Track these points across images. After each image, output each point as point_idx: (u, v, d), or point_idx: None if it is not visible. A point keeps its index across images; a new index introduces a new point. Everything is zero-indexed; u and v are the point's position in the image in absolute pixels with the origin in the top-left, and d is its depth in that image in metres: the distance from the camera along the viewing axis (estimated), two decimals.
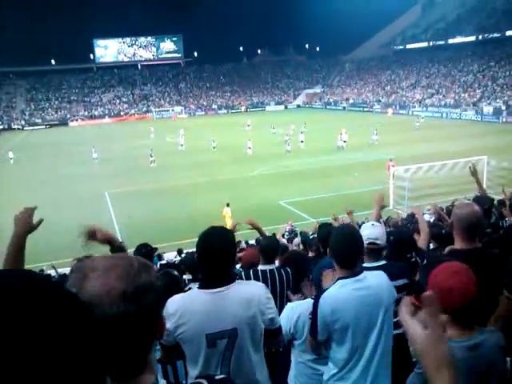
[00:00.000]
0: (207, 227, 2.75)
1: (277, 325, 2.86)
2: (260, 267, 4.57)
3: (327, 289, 3.08)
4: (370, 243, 3.64)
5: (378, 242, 3.67)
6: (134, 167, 35.27)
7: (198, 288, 2.73)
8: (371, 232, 3.68)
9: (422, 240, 5.10)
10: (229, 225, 18.49)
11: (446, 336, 1.06)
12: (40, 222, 2.80)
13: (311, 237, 10.80)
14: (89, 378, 0.62)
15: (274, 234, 15.54)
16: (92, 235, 2.71)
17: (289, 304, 3.73)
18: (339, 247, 3.06)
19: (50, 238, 18.78)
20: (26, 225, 2.71)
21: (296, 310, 3.46)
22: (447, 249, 3.59)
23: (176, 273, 4.93)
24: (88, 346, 0.63)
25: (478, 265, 2.70)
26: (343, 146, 38.51)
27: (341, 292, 2.96)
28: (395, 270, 3.75)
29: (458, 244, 3.36)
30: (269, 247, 4.61)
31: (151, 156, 35.82)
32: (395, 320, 3.65)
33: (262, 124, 58.58)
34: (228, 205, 20.11)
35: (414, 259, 4.94)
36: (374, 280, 3.05)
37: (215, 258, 2.61)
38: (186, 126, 56.80)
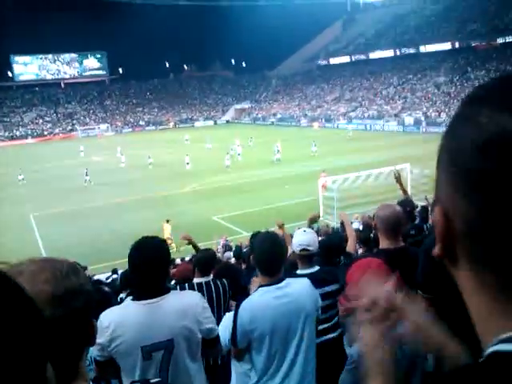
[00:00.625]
0: (140, 238, 2.68)
1: (214, 334, 2.83)
2: (195, 280, 4.50)
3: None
4: (302, 249, 3.66)
5: (309, 248, 3.67)
6: (62, 188, 33.95)
7: (132, 300, 2.65)
8: (303, 238, 3.69)
9: (349, 245, 5.21)
10: (168, 241, 18.26)
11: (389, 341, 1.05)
12: None
13: (245, 250, 10.80)
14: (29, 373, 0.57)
15: (213, 250, 15.45)
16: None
17: (227, 314, 3.67)
18: (260, 254, 3.05)
19: None
20: None
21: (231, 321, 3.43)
22: (375, 250, 3.68)
23: (107, 289, 4.77)
24: (32, 342, 0.59)
25: (402, 263, 2.77)
26: (279, 158, 39.05)
27: (260, 300, 2.95)
28: (327, 276, 3.80)
29: (383, 244, 3.45)
30: (204, 259, 4.56)
31: (86, 175, 34.61)
32: (329, 325, 3.71)
33: (194, 139, 58.40)
34: (168, 221, 19.81)
35: (342, 263, 5.04)
36: (296, 287, 3.04)
37: (148, 266, 2.56)
38: (117, 143, 55.53)
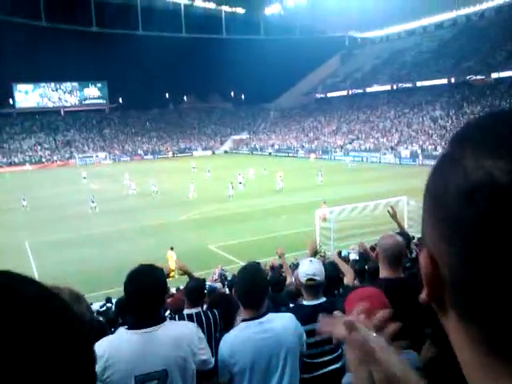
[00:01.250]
0: (136, 267, 2.67)
1: (210, 366, 2.80)
2: (185, 311, 4.47)
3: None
4: (308, 279, 3.61)
5: (316, 277, 3.62)
6: (60, 214, 33.86)
7: (127, 329, 2.62)
8: (309, 268, 3.64)
9: (348, 280, 5.20)
10: (172, 267, 18.25)
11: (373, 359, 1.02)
12: None
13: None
14: None
15: (204, 280, 15.37)
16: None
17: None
18: (242, 287, 3.05)
19: None
20: None
21: None
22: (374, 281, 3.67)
23: (101, 319, 4.72)
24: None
25: (402, 294, 2.77)
26: (282, 188, 39.26)
27: (240, 334, 2.94)
28: (335, 306, 3.73)
29: (383, 273, 3.45)
30: (194, 289, 4.52)
31: (92, 202, 34.71)
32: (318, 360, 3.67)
33: (194, 168, 58.58)
34: (172, 248, 19.73)
35: (340, 293, 5.03)
36: (279, 323, 3.01)
37: (144, 295, 2.54)
38: (117, 172, 55.67)
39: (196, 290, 4.51)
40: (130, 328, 2.61)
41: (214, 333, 4.31)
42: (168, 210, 33.17)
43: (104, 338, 2.60)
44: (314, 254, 5.46)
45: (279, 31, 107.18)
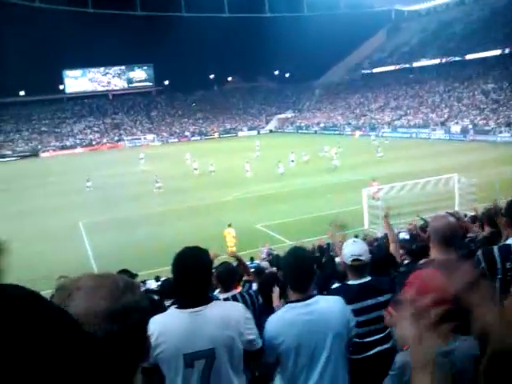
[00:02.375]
0: (183, 248, 2.74)
1: (257, 346, 2.83)
2: (220, 296, 4.49)
3: (276, 311, 3.13)
4: (354, 260, 3.62)
5: (361, 257, 3.63)
6: (112, 196, 34.93)
7: (175, 308, 2.71)
8: (353, 249, 3.66)
9: (391, 250, 5.14)
10: (230, 244, 18.56)
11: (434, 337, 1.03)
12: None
13: None
14: None
15: (252, 258, 15.55)
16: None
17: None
18: (288, 270, 3.07)
19: (25, 270, 18.44)
20: None
21: None
22: (423, 260, 3.62)
23: (156, 297, 4.89)
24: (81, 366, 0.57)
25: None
26: (336, 165, 39.37)
27: (286, 316, 2.97)
28: (381, 285, 3.76)
29: (434, 255, 3.40)
30: (225, 274, 4.53)
31: (157, 182, 35.74)
32: (373, 338, 3.67)
33: (242, 148, 58.85)
34: (230, 225, 20.08)
35: (392, 276, 4.98)
36: (325, 305, 3.02)
37: (190, 276, 2.61)
38: (168, 153, 56.66)
39: (227, 275, 4.52)
40: (178, 307, 2.69)
41: (252, 313, 4.37)
42: (217, 190, 33.57)
43: (154, 317, 2.66)
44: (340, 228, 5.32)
45: (323, 7, 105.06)
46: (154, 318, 2.62)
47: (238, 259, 5.94)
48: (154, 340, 2.51)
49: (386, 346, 3.65)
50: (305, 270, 3.02)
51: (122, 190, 36.67)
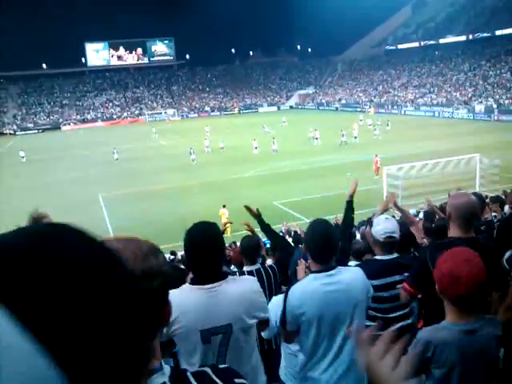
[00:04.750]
0: (194, 224, 2.72)
1: (266, 316, 2.89)
2: (245, 268, 4.58)
3: (298, 281, 3.13)
4: (387, 237, 3.65)
5: (394, 235, 3.67)
6: (131, 170, 35.26)
7: (190, 284, 2.70)
8: (387, 226, 3.68)
9: (413, 230, 5.08)
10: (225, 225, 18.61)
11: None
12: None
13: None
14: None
15: (257, 236, 15.55)
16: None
17: (274, 298, 3.81)
18: (312, 241, 3.07)
19: None
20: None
21: (280, 304, 3.48)
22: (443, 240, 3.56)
23: (182, 266, 4.97)
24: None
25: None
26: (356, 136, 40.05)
27: (309, 285, 3.00)
28: (408, 262, 3.76)
29: (453, 233, 3.34)
30: (249, 247, 4.60)
31: (191, 154, 36.36)
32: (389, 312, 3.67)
33: (259, 123, 58.56)
34: (224, 206, 20.10)
35: (412, 254, 4.94)
36: (347, 276, 3.06)
37: (202, 252, 2.60)
38: (190, 128, 56.73)
39: (252, 248, 4.57)
40: (192, 283, 2.69)
41: (274, 288, 4.42)
42: (235, 166, 33.66)
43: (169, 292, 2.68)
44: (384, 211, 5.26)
45: None
46: (169, 294, 2.64)
47: (252, 231, 5.90)
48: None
49: (407, 322, 3.70)
50: (328, 241, 3.04)
51: (141, 164, 36.93)
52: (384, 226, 3.67)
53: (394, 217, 4.37)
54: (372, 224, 3.85)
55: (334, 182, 26.11)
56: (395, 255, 3.75)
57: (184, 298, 2.61)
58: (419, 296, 3.51)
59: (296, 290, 3.03)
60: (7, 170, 39.79)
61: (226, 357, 2.63)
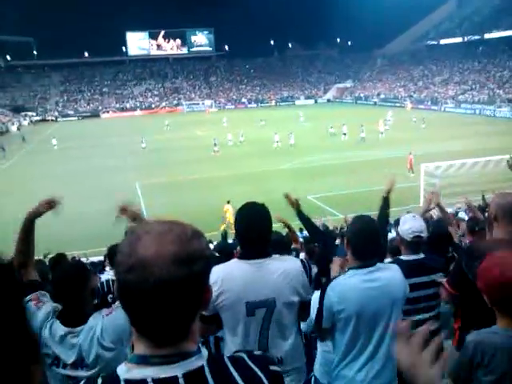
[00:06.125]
0: (245, 203, 2.84)
1: (309, 297, 2.93)
2: None
3: (336, 277, 3.11)
4: (415, 236, 3.58)
5: (422, 234, 3.60)
6: (166, 159, 35.75)
7: (238, 258, 2.82)
8: (414, 225, 3.61)
9: (450, 229, 5.01)
10: (230, 221, 18.71)
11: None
12: (50, 208, 3.06)
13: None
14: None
15: (302, 229, 15.53)
16: (123, 210, 3.01)
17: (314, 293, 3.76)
18: (355, 237, 3.04)
19: (83, 227, 19.22)
20: (36, 209, 3.03)
21: (316, 300, 3.48)
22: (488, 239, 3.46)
23: (217, 254, 5.06)
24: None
25: None
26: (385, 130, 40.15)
27: (349, 282, 2.97)
28: (435, 264, 3.72)
29: (501, 234, 3.20)
30: (277, 243, 4.54)
31: (215, 145, 36.73)
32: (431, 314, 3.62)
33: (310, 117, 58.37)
34: (229, 202, 19.98)
35: (450, 254, 4.86)
36: (386, 273, 3.02)
37: (253, 227, 2.71)
38: (227, 119, 57.06)
39: (276, 243, 4.48)
40: (240, 258, 2.79)
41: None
42: (271, 159, 33.72)
43: (217, 266, 2.74)
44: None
45: None
46: (217, 267, 2.72)
47: (287, 225, 5.86)
48: (218, 287, 2.63)
49: (434, 326, 3.53)
50: (372, 238, 3.01)
51: (176, 154, 37.40)
52: (411, 224, 3.61)
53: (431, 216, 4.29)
54: (399, 223, 3.81)
55: (366, 177, 25.89)
56: (422, 255, 3.68)
57: (231, 270, 2.71)
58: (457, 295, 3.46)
59: (335, 286, 3.00)
60: (39, 157, 40.94)
61: (269, 331, 2.71)
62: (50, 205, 3.09)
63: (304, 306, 2.90)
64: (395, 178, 4.46)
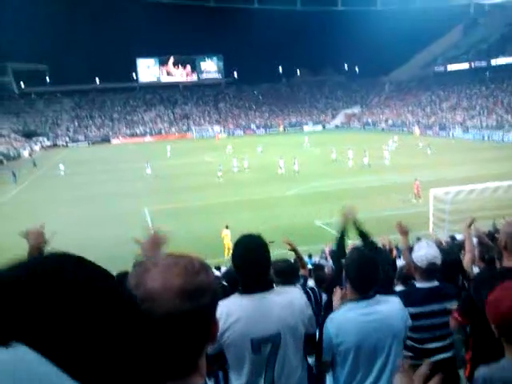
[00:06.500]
0: (241, 235, 2.79)
1: (313, 330, 2.88)
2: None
3: (334, 310, 3.11)
4: (429, 263, 3.57)
5: (436, 261, 3.59)
6: (174, 185, 35.88)
7: (239, 293, 2.75)
8: (429, 252, 3.60)
9: (466, 261, 4.97)
10: (228, 246, 18.60)
11: None
12: (52, 234, 3.05)
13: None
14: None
15: (310, 255, 15.47)
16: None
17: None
18: (353, 271, 3.02)
19: (90, 253, 19.20)
20: (39, 238, 3.00)
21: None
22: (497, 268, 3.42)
23: (225, 283, 5.04)
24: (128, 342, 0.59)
25: None
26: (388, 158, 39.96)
27: (347, 315, 2.95)
28: (448, 291, 3.69)
29: (508, 263, 3.19)
30: (285, 269, 4.39)
31: (219, 171, 37.04)
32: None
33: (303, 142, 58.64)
34: (227, 227, 19.89)
35: (460, 282, 4.80)
36: (386, 306, 2.99)
37: (250, 261, 2.66)
38: (235, 146, 57.50)
39: (284, 272, 4.35)
40: (243, 293, 2.72)
41: (315, 310, 4.22)
42: (275, 185, 33.74)
43: (220, 301, 2.63)
44: (405, 234, 5.00)
45: (397, 1, 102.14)
46: (220, 302, 2.60)
47: (294, 250, 5.76)
48: (222, 324, 2.56)
49: (447, 355, 3.58)
50: (369, 270, 2.98)
51: (184, 180, 37.57)
52: (426, 252, 3.59)
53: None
54: (413, 249, 3.79)
55: (372, 203, 25.81)
56: (436, 283, 3.65)
57: (234, 306, 2.65)
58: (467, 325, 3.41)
59: (334, 318, 2.99)
60: (48, 182, 41.49)
61: (275, 368, 2.64)
62: (38, 236, 3.06)
63: (310, 339, 2.85)
64: (350, 209, 4.47)
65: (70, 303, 0.50)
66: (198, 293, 1.15)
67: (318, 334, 3.06)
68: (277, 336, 2.62)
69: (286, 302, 2.70)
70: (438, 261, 3.60)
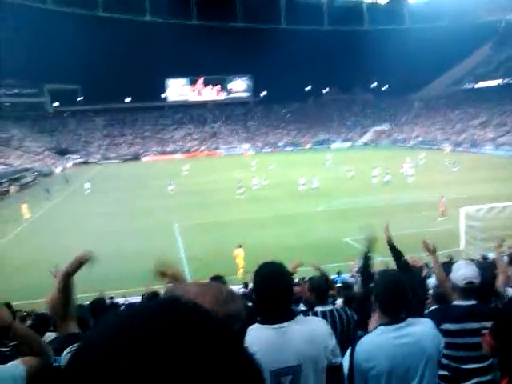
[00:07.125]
0: (262, 264, 2.71)
1: (338, 361, 2.77)
2: (318, 308, 4.51)
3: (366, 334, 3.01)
4: (468, 282, 3.55)
5: (475, 280, 3.56)
6: (202, 201, 36.23)
7: (259, 323, 2.66)
8: (467, 271, 3.59)
9: (500, 281, 4.91)
10: (241, 265, 18.39)
11: None
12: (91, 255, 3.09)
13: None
14: None
15: (339, 272, 15.40)
16: (162, 274, 2.76)
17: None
18: (383, 294, 2.95)
19: (120, 268, 19.50)
20: (72, 265, 3.08)
21: (347, 357, 3.40)
22: None
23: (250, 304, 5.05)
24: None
25: None
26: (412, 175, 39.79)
27: (378, 339, 2.87)
28: (487, 310, 3.66)
29: None
30: (320, 286, 4.58)
31: (240, 188, 37.31)
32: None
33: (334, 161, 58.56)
34: (240, 246, 19.77)
35: (493, 303, 4.73)
36: (418, 328, 2.91)
37: (271, 293, 2.58)
38: (263, 163, 57.82)
39: (321, 287, 4.56)
40: (262, 323, 2.63)
41: (346, 332, 4.30)
42: (306, 201, 33.71)
43: None
44: (433, 253, 4.99)
45: (425, 19, 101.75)
46: None
47: (322, 273, 5.83)
48: None
49: (486, 378, 3.47)
50: (398, 293, 2.91)
51: (213, 196, 37.94)
52: (464, 271, 3.58)
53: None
54: (451, 269, 3.76)
55: (409, 220, 25.49)
56: (474, 301, 3.61)
57: (254, 337, 2.50)
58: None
59: (364, 342, 2.90)
60: (80, 198, 42.56)
61: None
62: (83, 261, 3.14)
63: (333, 370, 2.72)
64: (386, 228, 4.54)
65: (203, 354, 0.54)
66: (229, 320, 1.16)
67: (349, 356, 2.95)
68: (297, 367, 2.53)
69: (307, 332, 2.63)
70: (477, 280, 3.56)
